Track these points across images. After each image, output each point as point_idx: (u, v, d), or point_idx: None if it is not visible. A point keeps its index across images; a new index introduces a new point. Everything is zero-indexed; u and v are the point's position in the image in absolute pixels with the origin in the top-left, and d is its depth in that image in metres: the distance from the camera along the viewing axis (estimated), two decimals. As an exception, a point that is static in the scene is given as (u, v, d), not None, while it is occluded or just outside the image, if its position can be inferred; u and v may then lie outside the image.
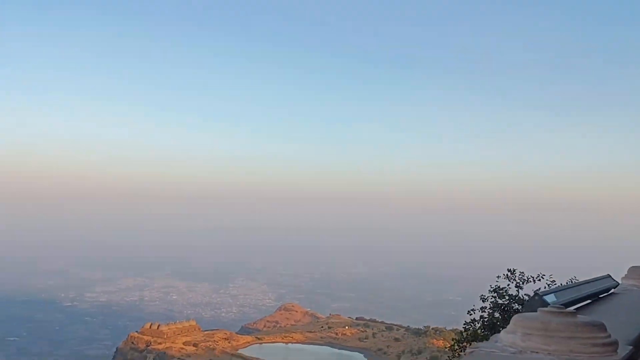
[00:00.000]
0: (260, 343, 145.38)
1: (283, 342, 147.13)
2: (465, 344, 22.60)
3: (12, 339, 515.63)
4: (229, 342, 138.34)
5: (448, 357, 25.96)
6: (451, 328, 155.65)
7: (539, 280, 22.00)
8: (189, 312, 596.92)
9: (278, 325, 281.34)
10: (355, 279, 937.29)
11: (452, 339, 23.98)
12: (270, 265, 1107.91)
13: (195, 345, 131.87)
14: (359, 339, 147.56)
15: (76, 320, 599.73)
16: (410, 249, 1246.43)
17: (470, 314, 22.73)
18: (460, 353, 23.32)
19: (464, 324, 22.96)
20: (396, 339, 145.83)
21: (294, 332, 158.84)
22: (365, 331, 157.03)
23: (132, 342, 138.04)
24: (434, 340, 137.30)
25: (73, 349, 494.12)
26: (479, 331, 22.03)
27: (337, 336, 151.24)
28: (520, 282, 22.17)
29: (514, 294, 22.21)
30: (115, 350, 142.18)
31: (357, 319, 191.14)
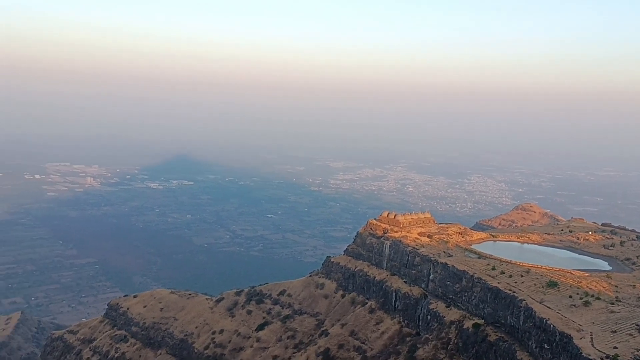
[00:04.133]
0: (495, 240, 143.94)
1: (518, 242, 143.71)
2: None
3: (269, 215, 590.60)
4: (462, 237, 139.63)
5: None
6: None
7: None
8: (424, 204, 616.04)
9: (514, 225, 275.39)
10: (603, 182, 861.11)
11: None
12: (509, 163, 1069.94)
13: (429, 236, 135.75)
14: (604, 246, 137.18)
15: (321, 204, 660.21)
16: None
17: None
18: None
19: None
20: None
21: (530, 233, 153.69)
22: (612, 238, 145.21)
23: (371, 228, 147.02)
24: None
25: (318, 228, 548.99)
26: None
27: (579, 241, 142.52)
28: None
29: None
30: (355, 234, 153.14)
31: (602, 224, 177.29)
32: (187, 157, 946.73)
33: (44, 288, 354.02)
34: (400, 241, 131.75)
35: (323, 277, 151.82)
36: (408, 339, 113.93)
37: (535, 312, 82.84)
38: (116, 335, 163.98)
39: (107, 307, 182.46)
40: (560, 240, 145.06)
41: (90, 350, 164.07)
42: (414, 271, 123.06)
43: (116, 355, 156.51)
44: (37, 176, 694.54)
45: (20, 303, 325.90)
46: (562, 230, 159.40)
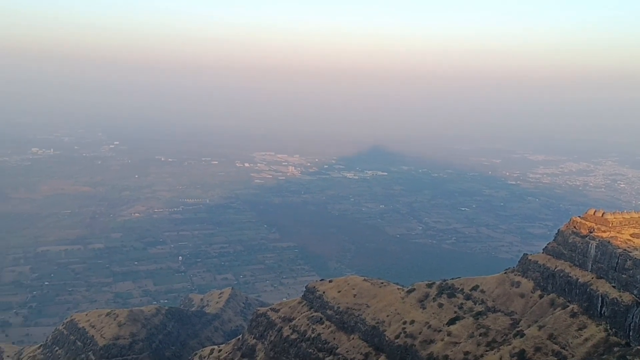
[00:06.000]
0: None
1: None
2: None
3: (463, 209, 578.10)
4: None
5: None
6: None
7: None
8: (639, 202, 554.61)
9: None
10: None
11: None
12: None
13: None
14: None
15: (519, 198, 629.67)
16: None
17: None
18: None
19: None
20: None
21: None
22: None
23: (574, 227, 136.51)
24: None
25: (515, 224, 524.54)
26: None
27: None
28: None
29: None
30: (556, 231, 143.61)
31: None
32: (381, 148, 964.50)
33: (251, 267, 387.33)
34: (609, 242, 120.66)
35: (519, 275, 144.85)
36: (616, 349, 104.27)
37: None
38: (313, 316, 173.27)
39: (304, 289, 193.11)
40: None
41: (290, 329, 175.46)
42: (624, 275, 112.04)
43: (312, 335, 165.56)
44: (246, 164, 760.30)
45: (230, 279, 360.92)
46: None
